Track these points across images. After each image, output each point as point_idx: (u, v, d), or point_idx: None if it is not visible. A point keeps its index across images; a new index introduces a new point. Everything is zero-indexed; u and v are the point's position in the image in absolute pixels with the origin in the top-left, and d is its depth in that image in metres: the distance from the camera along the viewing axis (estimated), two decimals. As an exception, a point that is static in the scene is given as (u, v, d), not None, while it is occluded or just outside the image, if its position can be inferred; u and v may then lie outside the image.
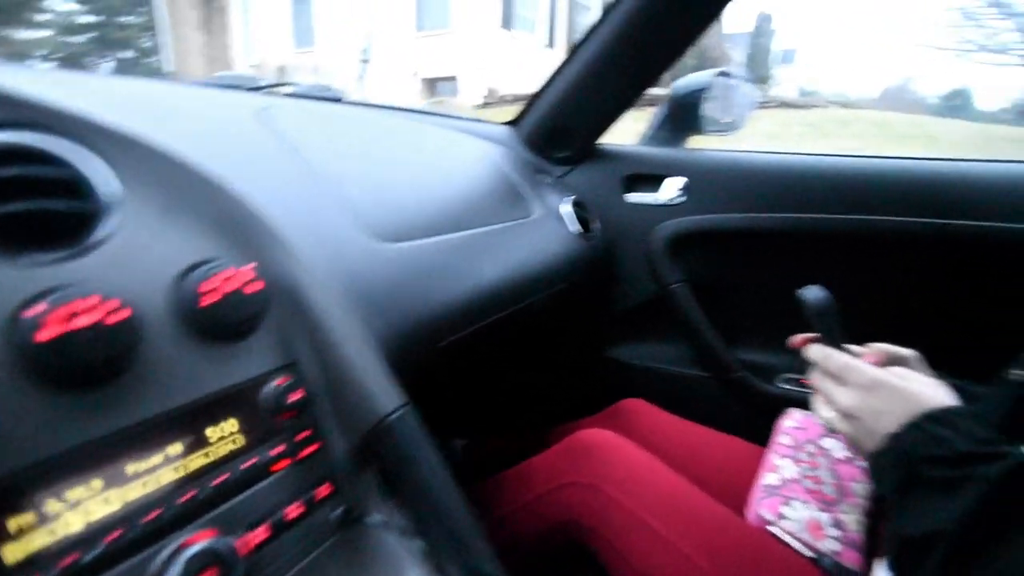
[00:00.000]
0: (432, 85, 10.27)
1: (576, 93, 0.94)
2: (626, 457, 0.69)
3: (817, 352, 0.54)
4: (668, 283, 0.98)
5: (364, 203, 0.57)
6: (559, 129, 1.00)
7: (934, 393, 0.47)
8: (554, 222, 0.87)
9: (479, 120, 1.05)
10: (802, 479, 0.70)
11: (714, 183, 0.96)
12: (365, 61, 9.25)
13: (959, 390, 0.64)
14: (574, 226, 0.90)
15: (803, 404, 0.80)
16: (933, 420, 0.43)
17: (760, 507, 0.67)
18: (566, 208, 0.91)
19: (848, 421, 0.49)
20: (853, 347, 0.60)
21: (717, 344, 0.97)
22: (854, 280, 0.90)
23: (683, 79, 1.01)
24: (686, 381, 1.04)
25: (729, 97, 1.00)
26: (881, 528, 0.65)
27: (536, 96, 1.00)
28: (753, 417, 0.87)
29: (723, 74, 0.99)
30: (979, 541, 0.38)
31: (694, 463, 0.79)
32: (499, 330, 0.74)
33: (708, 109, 0.98)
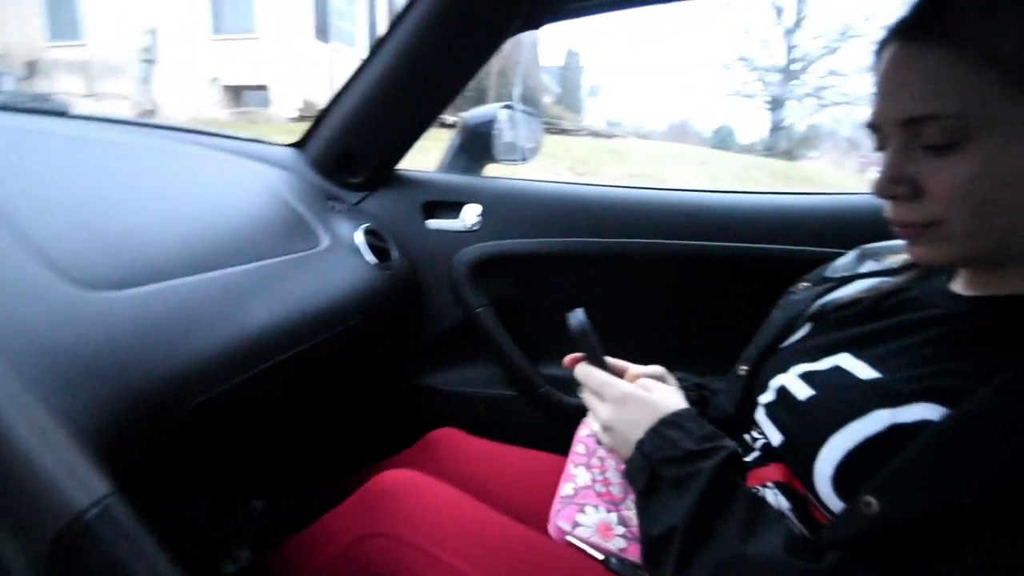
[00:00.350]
0: (237, 94, 9.27)
1: (364, 116, 0.91)
2: (426, 497, 0.66)
3: (580, 371, 0.58)
4: (473, 307, 1.00)
5: (69, 244, 0.46)
6: (350, 153, 0.96)
7: (670, 400, 0.53)
8: (345, 253, 0.82)
9: (259, 141, 0.96)
10: (593, 484, 0.74)
11: (509, 209, 1.00)
12: (149, 61, 8.00)
13: (703, 387, 0.75)
14: (369, 256, 0.85)
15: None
16: (667, 424, 0.50)
17: (558, 519, 0.70)
18: (359, 237, 0.87)
19: (608, 433, 0.54)
20: (618, 362, 0.66)
21: (522, 363, 1.01)
22: (627, 294, 1.01)
23: (473, 110, 1.05)
24: (498, 402, 1.06)
25: (516, 128, 1.06)
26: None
27: (322, 116, 0.94)
28: (560, 430, 0.91)
29: (508, 107, 1.05)
30: (703, 531, 0.43)
31: (503, 486, 0.80)
32: (283, 374, 0.67)
33: (498, 139, 1.03)
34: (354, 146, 0.95)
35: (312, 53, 8.79)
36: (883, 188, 0.44)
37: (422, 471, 0.82)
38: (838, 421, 0.43)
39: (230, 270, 0.60)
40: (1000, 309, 0.44)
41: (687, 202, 0.99)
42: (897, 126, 0.42)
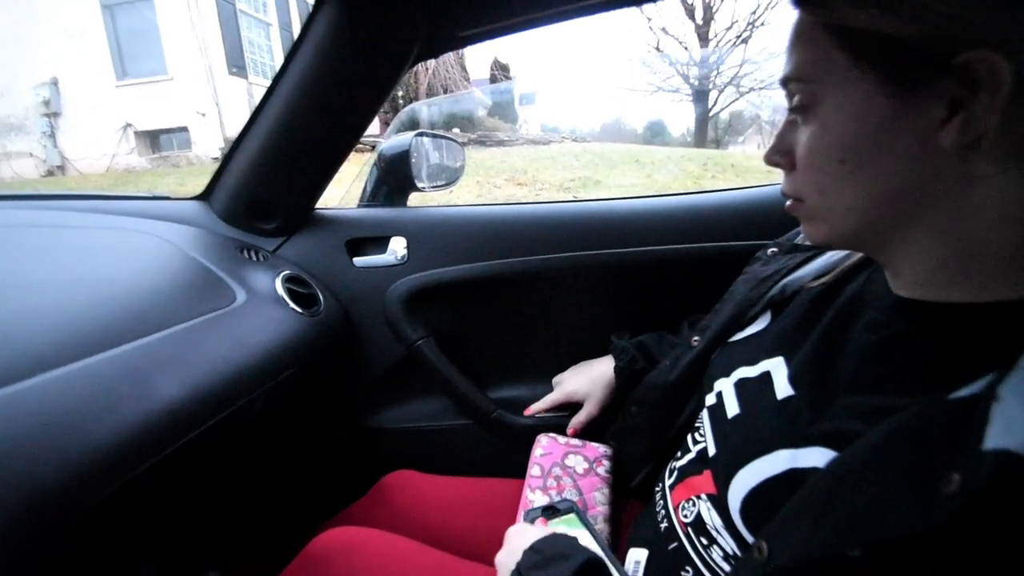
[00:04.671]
0: (154, 139, 8.81)
1: (269, 159, 0.87)
2: (371, 555, 0.63)
3: None
4: (412, 341, 0.97)
5: None
6: (260, 199, 0.91)
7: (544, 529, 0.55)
8: (266, 305, 0.78)
9: (160, 197, 0.90)
10: None
11: (436, 238, 0.99)
12: (53, 115, 7.51)
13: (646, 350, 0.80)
14: (292, 305, 0.82)
15: (555, 428, 0.86)
16: (542, 541, 0.50)
17: None
18: (279, 286, 0.82)
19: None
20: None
21: (470, 390, 0.99)
22: (562, 309, 1.02)
23: (387, 141, 1.03)
24: (451, 433, 1.03)
25: (433, 155, 1.05)
26: (623, 528, 0.73)
27: (225, 164, 0.89)
28: (517, 452, 0.90)
29: (421, 134, 1.03)
30: None
31: (463, 523, 0.78)
32: (209, 443, 0.62)
33: (416, 167, 1.01)
34: (263, 191, 0.90)
35: (230, 89, 8.48)
36: (768, 155, 0.44)
37: (377, 520, 0.79)
38: (748, 454, 0.43)
39: (130, 345, 0.56)
40: (932, 324, 0.39)
41: (610, 211, 1.01)
42: (783, 87, 0.42)
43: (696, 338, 0.65)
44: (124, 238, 0.74)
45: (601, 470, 0.77)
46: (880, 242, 0.41)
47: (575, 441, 0.81)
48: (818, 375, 0.44)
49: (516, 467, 0.81)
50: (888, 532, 0.30)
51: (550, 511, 0.68)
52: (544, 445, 0.81)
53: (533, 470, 0.78)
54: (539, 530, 0.54)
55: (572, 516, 0.68)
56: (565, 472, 0.77)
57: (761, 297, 0.59)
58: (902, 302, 0.42)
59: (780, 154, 0.43)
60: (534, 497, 0.74)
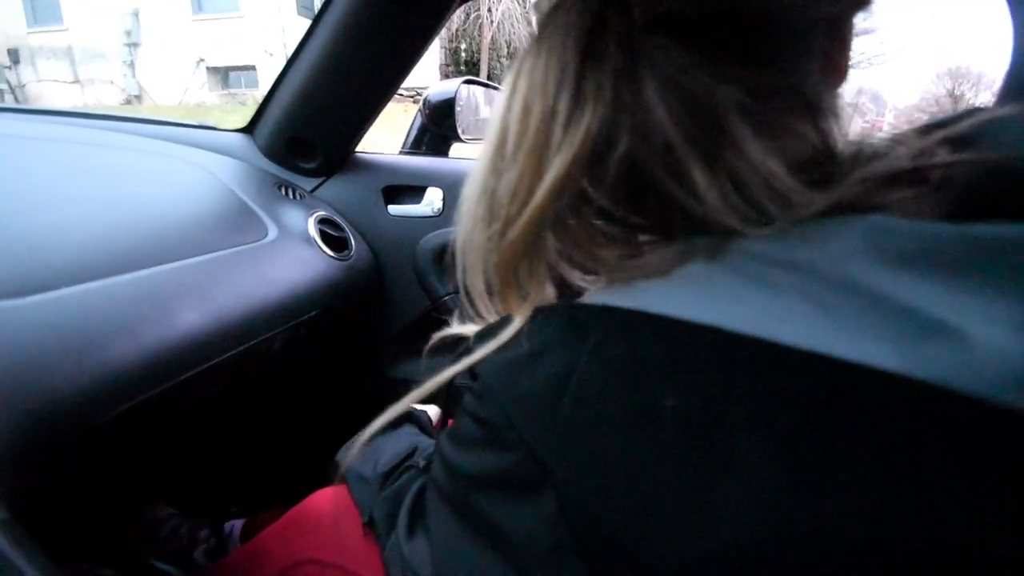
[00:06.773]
0: (223, 75, 9.04)
1: (311, 97, 0.85)
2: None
3: None
4: (439, 296, 0.96)
5: None
6: (301, 137, 0.90)
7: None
8: (297, 244, 0.78)
9: (207, 127, 0.90)
10: None
11: None
12: (133, 44, 7.79)
13: None
14: (323, 246, 0.81)
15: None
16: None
17: None
18: (312, 227, 0.82)
19: None
20: None
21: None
22: None
23: (434, 87, 0.99)
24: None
25: (482, 107, 1.00)
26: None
27: (269, 98, 0.88)
28: None
29: (469, 81, 0.99)
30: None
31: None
32: (227, 376, 0.64)
33: (460, 117, 0.97)
34: (304, 129, 0.89)
35: (298, 29, 8.54)
36: None
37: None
38: None
39: (156, 269, 0.56)
40: None
41: None
42: None
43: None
44: (164, 163, 0.75)
45: None
46: None
47: None
48: None
49: None
50: None
51: None
52: None
53: None
54: None
55: None
56: None
57: None
58: None
59: None
60: None
